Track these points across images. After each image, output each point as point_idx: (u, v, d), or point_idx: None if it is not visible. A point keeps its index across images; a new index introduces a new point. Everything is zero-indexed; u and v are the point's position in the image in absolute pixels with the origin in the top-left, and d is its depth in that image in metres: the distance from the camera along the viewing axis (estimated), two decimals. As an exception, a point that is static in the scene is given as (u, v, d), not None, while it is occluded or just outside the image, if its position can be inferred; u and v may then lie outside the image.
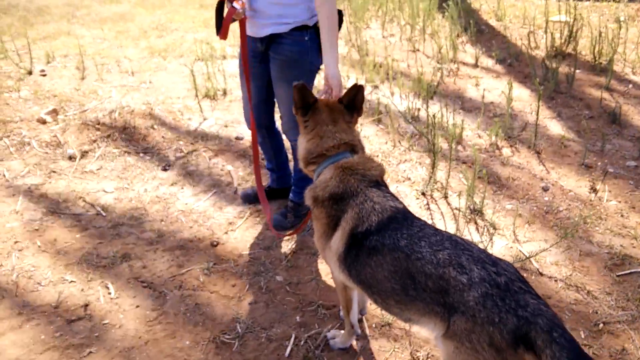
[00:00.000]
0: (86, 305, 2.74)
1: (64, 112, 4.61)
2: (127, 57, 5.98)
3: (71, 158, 4.02)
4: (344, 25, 3.19)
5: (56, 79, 5.33)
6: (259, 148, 3.25)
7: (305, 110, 2.22)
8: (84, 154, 4.08)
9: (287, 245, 3.17)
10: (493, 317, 1.59)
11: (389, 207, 2.00)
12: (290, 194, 3.34)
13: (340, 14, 2.88)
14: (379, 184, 2.13)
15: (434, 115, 3.57)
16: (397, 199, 2.10)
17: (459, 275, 1.69)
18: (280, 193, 3.53)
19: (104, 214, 3.44)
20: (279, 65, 2.85)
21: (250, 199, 3.51)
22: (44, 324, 2.63)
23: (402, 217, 1.96)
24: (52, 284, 2.88)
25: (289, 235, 3.13)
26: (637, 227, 3.22)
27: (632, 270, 2.88)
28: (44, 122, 4.42)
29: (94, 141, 4.22)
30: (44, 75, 5.42)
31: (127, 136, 4.30)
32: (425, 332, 1.88)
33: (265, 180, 3.70)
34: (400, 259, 1.83)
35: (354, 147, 2.24)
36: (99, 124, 4.40)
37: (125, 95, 4.98)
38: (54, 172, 3.87)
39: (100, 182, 3.79)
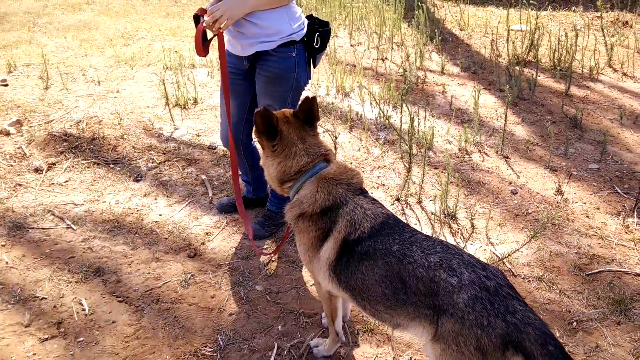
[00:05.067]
0: (59, 323, 2.66)
1: (29, 123, 4.47)
2: (93, 66, 5.85)
3: (37, 170, 3.90)
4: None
5: (19, 89, 5.17)
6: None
7: (272, 135, 2.15)
8: (50, 166, 3.95)
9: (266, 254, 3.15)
10: (482, 320, 1.63)
11: (380, 213, 2.02)
12: (267, 203, 3.33)
13: (327, 25, 2.86)
14: (364, 191, 2.16)
15: (411, 120, 3.62)
16: (384, 206, 2.13)
17: (449, 277, 1.72)
18: (256, 202, 3.51)
19: (74, 227, 3.34)
20: (264, 81, 2.82)
21: (226, 208, 3.48)
22: (14, 343, 2.53)
23: (393, 223, 1.98)
24: (22, 301, 2.77)
25: (271, 254, 3.10)
26: (602, 227, 3.36)
27: (601, 269, 2.99)
28: (7, 133, 4.26)
29: (61, 153, 4.10)
30: (6, 85, 5.24)
31: (96, 147, 4.20)
32: (415, 337, 1.90)
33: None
34: (392, 263, 1.85)
35: (327, 156, 2.24)
36: (65, 134, 4.28)
37: (92, 105, 4.86)
38: (20, 185, 3.74)
39: (69, 194, 3.68)
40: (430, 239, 1.90)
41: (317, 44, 2.79)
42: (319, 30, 2.79)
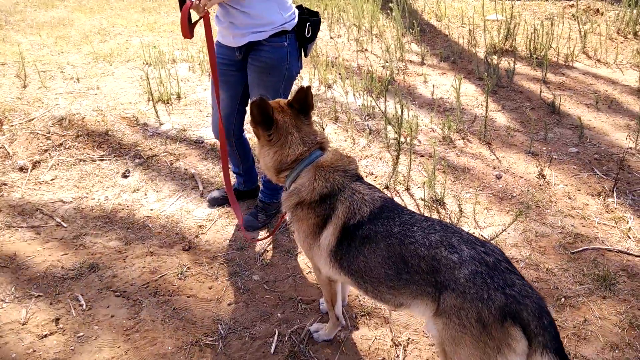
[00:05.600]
0: (57, 319, 2.64)
1: (9, 122, 4.39)
2: (70, 63, 5.75)
3: (22, 169, 3.84)
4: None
5: (-5, 87, 5.06)
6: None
7: (267, 124, 2.17)
8: (35, 165, 3.90)
9: (260, 244, 3.19)
10: (482, 293, 1.69)
11: (378, 198, 2.07)
12: (260, 195, 3.35)
13: (317, 15, 2.89)
14: (360, 177, 2.20)
15: (401, 107, 3.69)
16: (380, 190, 2.18)
17: (450, 254, 1.79)
18: (247, 194, 3.53)
19: (64, 224, 3.32)
20: (257, 71, 2.83)
21: (218, 201, 3.49)
22: (13, 341, 2.52)
23: (392, 206, 2.04)
24: (17, 299, 2.75)
25: (262, 239, 3.14)
26: (584, 207, 3.49)
27: (585, 247, 3.12)
28: (-12, 133, 4.19)
29: (46, 150, 4.05)
30: (-19, 84, 5.13)
31: (81, 144, 4.15)
32: (417, 315, 1.96)
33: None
34: (394, 244, 1.90)
35: (322, 144, 2.28)
36: (49, 132, 4.22)
37: (74, 103, 4.79)
38: (5, 184, 3.68)
39: (56, 192, 3.64)
40: (429, 219, 1.96)
41: (308, 34, 2.81)
42: (309, 19, 2.81)
